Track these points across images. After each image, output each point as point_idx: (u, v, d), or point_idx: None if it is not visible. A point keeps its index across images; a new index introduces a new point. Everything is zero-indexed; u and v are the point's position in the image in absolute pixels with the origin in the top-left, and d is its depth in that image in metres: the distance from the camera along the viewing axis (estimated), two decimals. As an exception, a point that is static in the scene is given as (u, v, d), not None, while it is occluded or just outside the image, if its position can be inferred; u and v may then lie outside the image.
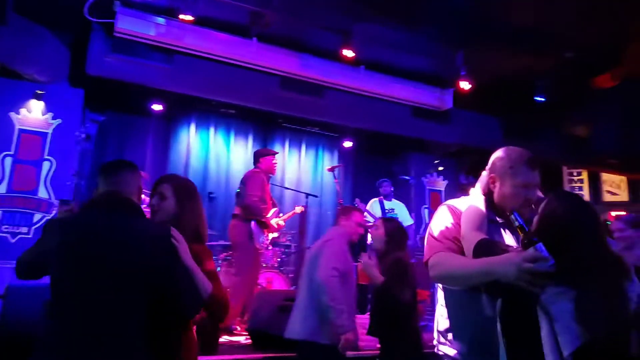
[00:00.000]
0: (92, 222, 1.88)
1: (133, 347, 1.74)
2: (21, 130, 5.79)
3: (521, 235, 1.61)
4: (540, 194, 1.95)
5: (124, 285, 1.76)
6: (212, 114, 7.61)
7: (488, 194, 2.02)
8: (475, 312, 1.83)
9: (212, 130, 7.65)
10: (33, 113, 5.86)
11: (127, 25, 5.58)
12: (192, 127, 7.51)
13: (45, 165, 5.83)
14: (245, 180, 5.32)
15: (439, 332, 2.04)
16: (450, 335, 1.98)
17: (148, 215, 2.24)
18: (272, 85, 6.41)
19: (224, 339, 4.36)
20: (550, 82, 7.10)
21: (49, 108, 5.94)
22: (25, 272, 1.96)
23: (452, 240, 1.91)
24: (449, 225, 1.96)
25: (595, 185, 10.25)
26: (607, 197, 10.15)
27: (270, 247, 5.82)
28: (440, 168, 8.32)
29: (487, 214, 1.93)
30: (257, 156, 5.60)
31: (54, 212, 5.55)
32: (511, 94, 7.46)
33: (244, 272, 5.07)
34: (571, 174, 10.33)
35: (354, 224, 3.63)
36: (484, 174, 2.07)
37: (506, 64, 6.74)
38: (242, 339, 4.35)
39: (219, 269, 5.64)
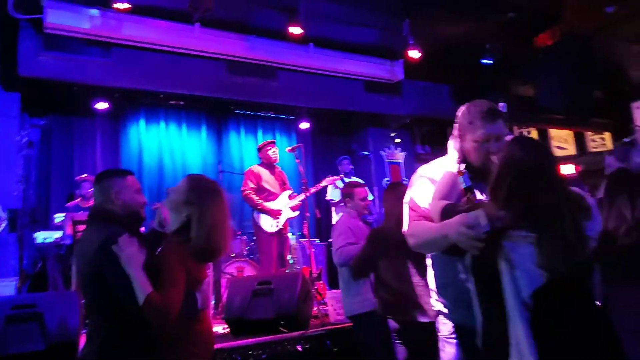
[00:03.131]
0: (81, 238, 2.33)
1: (103, 343, 2.04)
2: (-45, 142, 5.41)
3: (466, 197, 1.64)
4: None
5: (86, 292, 2.13)
6: (160, 107, 7.34)
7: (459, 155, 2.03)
8: (453, 272, 1.94)
9: (162, 123, 7.39)
10: (-34, 123, 5.48)
11: (58, 19, 5.27)
12: (142, 122, 7.23)
13: (-14, 176, 5.47)
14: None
15: (431, 290, 2.20)
16: (436, 294, 2.15)
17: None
18: (219, 71, 6.25)
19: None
20: (495, 45, 7.25)
21: (-17, 116, 5.56)
22: None
23: (420, 207, 2.01)
24: (416, 193, 2.05)
25: (545, 141, 10.62)
26: (557, 152, 10.55)
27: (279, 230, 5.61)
28: (397, 140, 8.38)
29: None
30: (258, 151, 5.92)
31: (4, 224, 5.23)
32: (459, 60, 7.57)
33: (261, 259, 5.63)
34: (521, 134, 10.66)
35: (359, 201, 3.82)
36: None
37: (451, 30, 6.82)
38: (220, 329, 4.25)
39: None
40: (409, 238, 2.02)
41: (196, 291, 2.14)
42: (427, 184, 2.04)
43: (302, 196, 5.70)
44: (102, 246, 2.05)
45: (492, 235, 1.57)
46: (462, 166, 1.80)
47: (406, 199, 2.11)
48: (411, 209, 2.06)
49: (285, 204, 5.61)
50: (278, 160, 5.81)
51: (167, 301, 1.96)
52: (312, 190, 5.86)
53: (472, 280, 1.74)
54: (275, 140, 6.12)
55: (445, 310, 2.10)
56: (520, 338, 1.56)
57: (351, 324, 3.71)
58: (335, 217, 6.56)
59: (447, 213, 1.76)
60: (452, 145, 2.06)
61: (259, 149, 5.89)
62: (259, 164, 5.83)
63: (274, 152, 5.73)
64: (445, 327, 2.11)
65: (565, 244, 1.55)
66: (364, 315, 3.44)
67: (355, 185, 4.02)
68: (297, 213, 5.76)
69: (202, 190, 2.19)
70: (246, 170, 5.92)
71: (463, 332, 2.01)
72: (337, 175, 7.03)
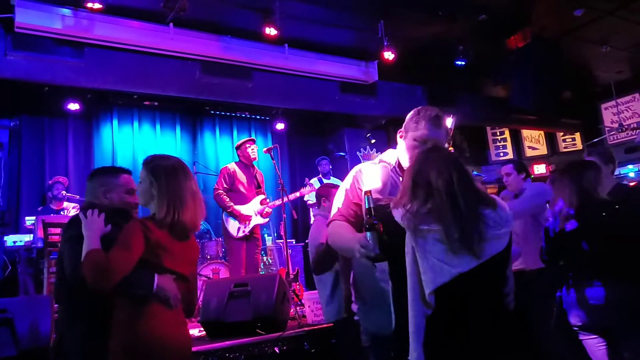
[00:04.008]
0: None
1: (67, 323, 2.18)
2: None
3: (367, 217, 1.71)
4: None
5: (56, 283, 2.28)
6: (134, 107, 7.26)
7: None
8: (370, 271, 1.96)
9: (136, 124, 7.30)
10: None
11: (29, 19, 5.16)
12: (115, 123, 7.13)
13: (-46, 179, 5.34)
14: None
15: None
16: (353, 296, 2.22)
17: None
18: (193, 71, 6.17)
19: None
20: (467, 46, 7.37)
21: (-51, 117, 5.42)
22: None
23: (346, 205, 2.09)
24: (348, 188, 2.12)
25: (518, 141, 10.85)
26: (529, 152, 10.78)
27: (246, 235, 5.46)
28: (373, 141, 8.44)
29: (394, 170, 2.12)
30: (236, 149, 5.78)
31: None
32: (432, 61, 7.69)
33: (230, 262, 5.58)
34: (495, 134, 10.86)
35: None
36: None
37: (424, 32, 6.92)
38: (196, 332, 4.22)
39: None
40: (328, 236, 2.11)
41: (158, 273, 2.01)
42: (349, 177, 2.15)
43: (274, 203, 5.67)
44: (67, 224, 2.16)
45: (398, 235, 1.64)
46: (369, 188, 1.87)
47: (339, 193, 2.17)
48: (340, 203, 2.13)
49: (255, 210, 5.50)
50: (257, 159, 5.71)
51: (109, 258, 1.89)
52: (290, 197, 5.80)
53: (389, 279, 1.79)
54: (254, 138, 6.01)
55: (358, 311, 2.15)
56: (413, 336, 1.58)
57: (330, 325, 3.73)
58: (313, 218, 6.57)
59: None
60: (398, 147, 2.16)
61: (238, 147, 5.76)
62: (236, 162, 5.71)
63: (252, 149, 5.63)
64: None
65: (462, 230, 1.58)
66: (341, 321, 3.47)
67: (332, 186, 4.04)
68: (266, 220, 5.64)
69: (157, 167, 2.14)
70: (222, 168, 5.80)
71: (377, 340, 2.05)
72: (316, 175, 7.07)
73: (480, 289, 1.61)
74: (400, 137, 2.12)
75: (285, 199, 5.35)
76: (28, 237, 5.38)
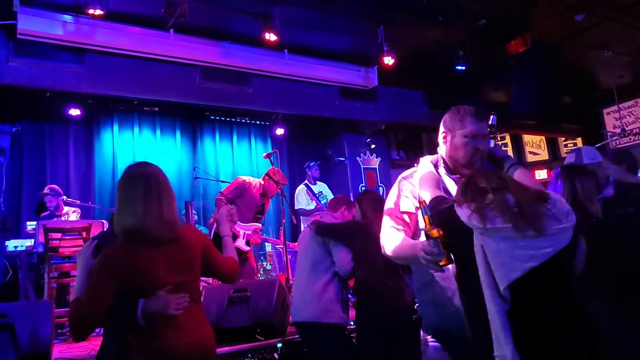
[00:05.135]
0: None
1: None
2: None
3: (426, 226, 1.76)
4: (491, 145, 2.12)
5: None
6: (134, 113, 7.26)
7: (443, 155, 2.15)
8: (429, 273, 2.03)
9: (136, 130, 7.31)
10: None
11: (31, 25, 5.22)
12: (115, 129, 7.14)
13: (-46, 184, 5.36)
14: None
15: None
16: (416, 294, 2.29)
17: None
18: (194, 76, 6.21)
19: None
20: (467, 52, 7.39)
21: (-49, 123, 5.45)
22: None
23: (396, 215, 2.12)
24: (395, 199, 2.16)
25: (519, 146, 10.83)
26: (530, 158, 10.76)
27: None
28: (373, 146, 8.44)
29: (438, 170, 2.12)
30: (268, 175, 5.37)
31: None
32: (432, 66, 7.70)
33: None
34: (495, 139, 10.84)
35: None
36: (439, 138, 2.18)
37: (425, 37, 6.94)
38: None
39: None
40: (384, 246, 2.12)
41: (143, 296, 1.93)
42: (394, 187, 2.18)
43: (266, 238, 5.61)
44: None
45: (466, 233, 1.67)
46: (422, 198, 1.92)
47: (387, 204, 2.19)
48: (385, 214, 2.16)
49: (244, 232, 5.23)
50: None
51: (73, 306, 1.89)
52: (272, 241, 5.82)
53: (458, 285, 1.83)
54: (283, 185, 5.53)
55: (420, 309, 2.21)
56: (499, 332, 1.60)
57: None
58: (303, 227, 6.34)
59: (435, 203, 1.86)
60: (428, 158, 2.18)
61: (267, 174, 5.37)
62: (260, 183, 5.40)
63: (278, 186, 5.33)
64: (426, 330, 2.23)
65: (528, 225, 1.62)
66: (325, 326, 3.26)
67: (343, 199, 3.92)
68: (248, 249, 5.32)
69: (121, 179, 2.08)
70: (239, 178, 5.53)
71: (442, 335, 2.11)
72: (304, 180, 6.98)
73: (552, 282, 1.65)
74: (445, 138, 2.12)
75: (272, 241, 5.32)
76: (29, 242, 5.39)
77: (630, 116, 9.73)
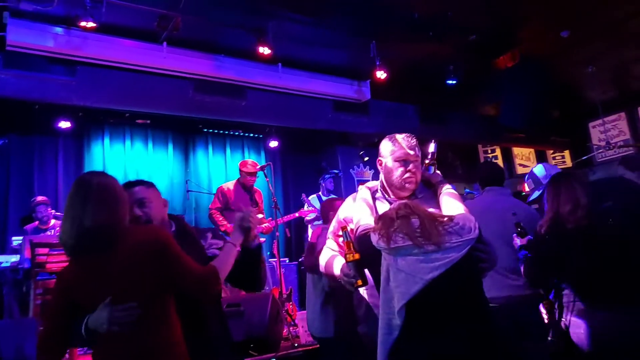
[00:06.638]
0: None
1: None
2: None
3: (346, 250, 1.98)
4: (424, 169, 2.30)
5: None
6: (126, 125, 7.20)
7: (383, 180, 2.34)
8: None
9: (128, 142, 7.23)
10: None
11: (21, 37, 5.16)
12: (106, 141, 7.06)
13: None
14: None
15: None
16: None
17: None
18: (186, 90, 6.16)
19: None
20: (458, 66, 7.47)
21: (-62, 135, 5.34)
22: None
23: (332, 238, 2.41)
24: (335, 222, 2.41)
25: (509, 159, 10.94)
26: (520, 170, 10.85)
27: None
28: (366, 158, 8.47)
29: (375, 195, 2.32)
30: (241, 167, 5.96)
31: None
32: (424, 81, 7.77)
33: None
34: (486, 152, 10.93)
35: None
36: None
37: (416, 52, 7.01)
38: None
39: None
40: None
41: (88, 312, 1.81)
42: (350, 204, 2.37)
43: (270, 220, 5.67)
44: None
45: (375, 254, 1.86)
46: (346, 224, 2.19)
47: (331, 225, 2.46)
48: (330, 234, 2.44)
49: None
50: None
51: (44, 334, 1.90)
52: (284, 219, 5.86)
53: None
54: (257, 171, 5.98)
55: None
56: (382, 343, 1.79)
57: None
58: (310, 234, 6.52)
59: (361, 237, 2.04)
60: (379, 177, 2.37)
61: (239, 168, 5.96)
62: (236, 180, 5.89)
63: (245, 171, 5.83)
64: None
65: (426, 241, 1.78)
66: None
67: (336, 199, 4.10)
68: (263, 239, 5.62)
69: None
70: (218, 187, 6.00)
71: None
72: (316, 192, 7.09)
73: (450, 293, 1.77)
74: (380, 164, 2.31)
75: (280, 221, 5.37)
76: (14, 258, 5.26)
77: (615, 129, 9.89)
